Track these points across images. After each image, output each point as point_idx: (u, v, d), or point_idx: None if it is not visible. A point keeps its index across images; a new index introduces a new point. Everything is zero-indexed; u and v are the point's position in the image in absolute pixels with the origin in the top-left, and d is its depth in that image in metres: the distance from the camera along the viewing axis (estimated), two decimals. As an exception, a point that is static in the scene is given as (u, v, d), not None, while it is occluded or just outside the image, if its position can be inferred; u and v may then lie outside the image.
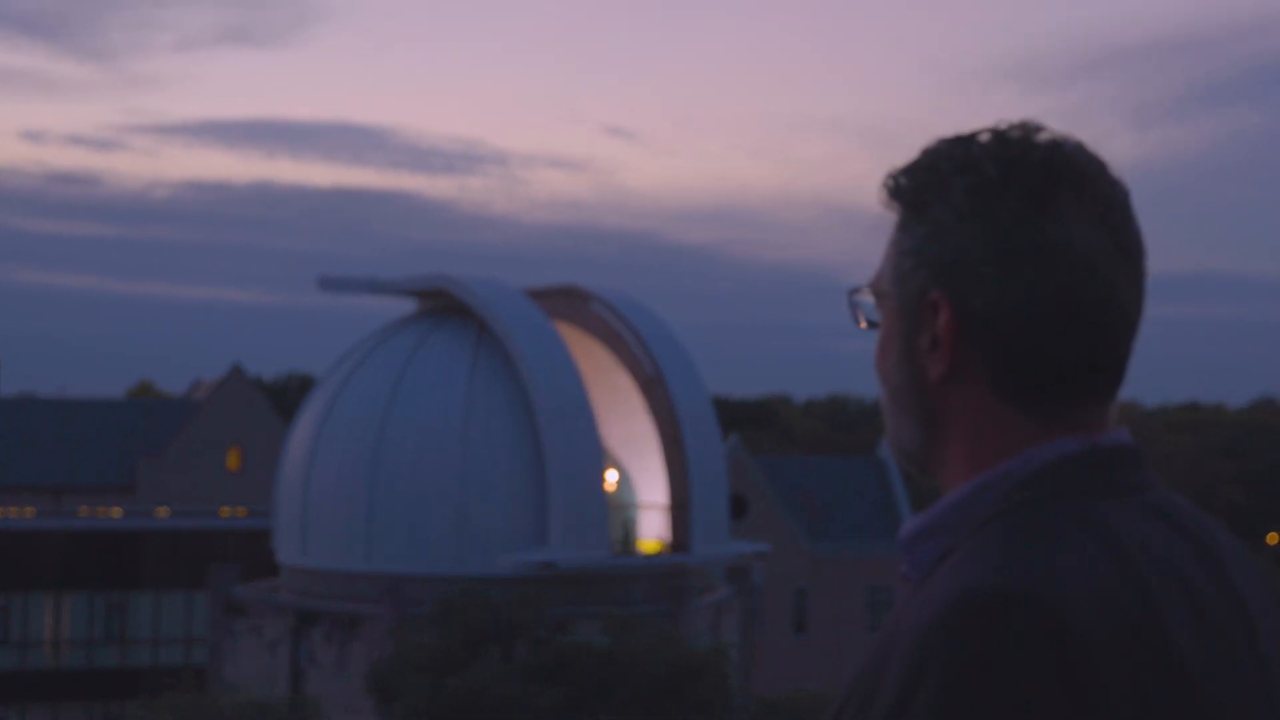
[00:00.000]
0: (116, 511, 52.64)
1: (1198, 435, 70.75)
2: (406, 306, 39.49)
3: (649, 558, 36.89)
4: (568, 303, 39.34)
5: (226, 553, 45.53)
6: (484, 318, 36.57)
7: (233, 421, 57.78)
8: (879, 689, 1.40)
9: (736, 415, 56.12)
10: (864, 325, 1.61)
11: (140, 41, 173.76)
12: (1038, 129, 1.52)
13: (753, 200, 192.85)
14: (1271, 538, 66.89)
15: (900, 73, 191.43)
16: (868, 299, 1.60)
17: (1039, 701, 1.33)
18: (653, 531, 38.04)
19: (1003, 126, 1.52)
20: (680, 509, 37.03)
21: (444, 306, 38.01)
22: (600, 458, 35.94)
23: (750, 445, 52.85)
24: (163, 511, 51.90)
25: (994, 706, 1.33)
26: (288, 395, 60.98)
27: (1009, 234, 1.47)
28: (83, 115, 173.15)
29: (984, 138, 1.52)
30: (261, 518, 44.64)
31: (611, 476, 37.59)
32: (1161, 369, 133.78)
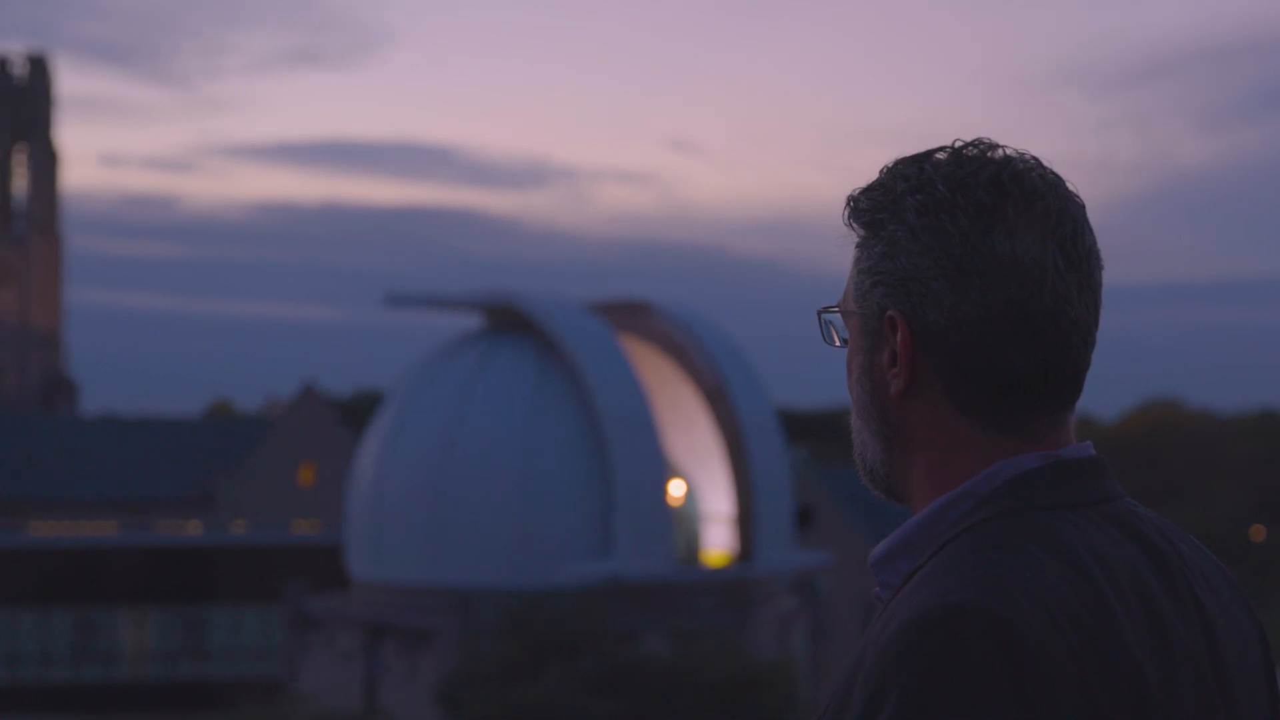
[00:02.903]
0: (195, 527, 53.45)
1: (1271, 443, 69.99)
2: (472, 322, 39.80)
3: (714, 569, 37.02)
4: (631, 316, 39.53)
5: (300, 567, 46.11)
6: (548, 332, 36.84)
7: (306, 438, 58.52)
8: (848, 704, 1.43)
9: (802, 426, 56.21)
10: (838, 344, 1.63)
11: (212, 66, 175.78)
12: (993, 147, 1.55)
13: (815, 211, 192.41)
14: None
15: (960, 81, 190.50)
16: (838, 317, 1.63)
17: (993, 714, 1.36)
18: (718, 542, 38.14)
19: (959, 145, 1.55)
20: (745, 520, 37.14)
21: (509, 321, 38.28)
22: (664, 469, 36.13)
23: (816, 455, 52.95)
24: (239, 527, 52.66)
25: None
26: (359, 411, 61.59)
27: (959, 250, 1.50)
28: (157, 139, 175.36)
29: (939, 156, 1.55)
30: (334, 532, 45.22)
31: (676, 488, 37.73)
32: (1234, 376, 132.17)
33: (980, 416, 1.53)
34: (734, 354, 38.48)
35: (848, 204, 1.58)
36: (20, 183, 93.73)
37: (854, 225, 1.58)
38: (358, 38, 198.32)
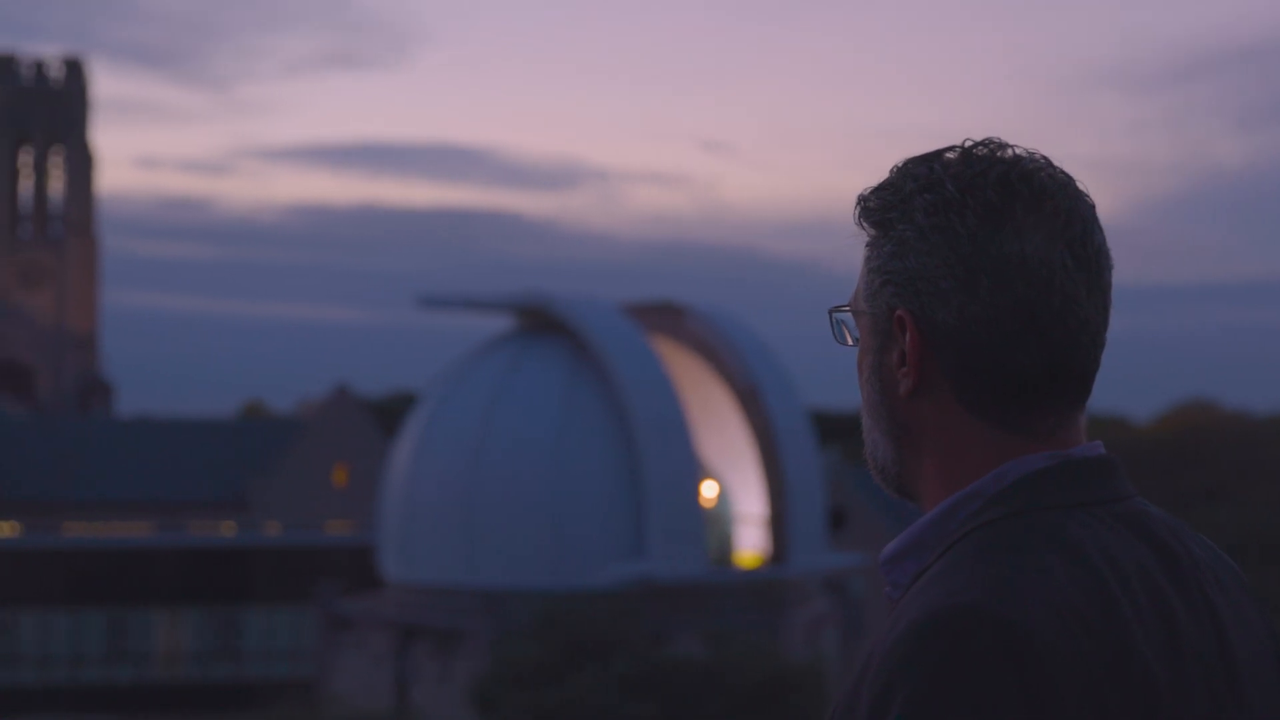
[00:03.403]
0: (228, 528, 53.64)
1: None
2: (504, 323, 39.90)
3: (746, 570, 36.98)
4: (664, 317, 39.55)
5: (333, 568, 46.24)
6: (580, 333, 36.89)
7: (339, 439, 58.67)
8: (856, 706, 1.43)
9: (835, 427, 56.03)
10: (850, 343, 1.63)
11: (247, 68, 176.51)
12: (1003, 146, 1.55)
13: (848, 211, 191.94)
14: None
15: (993, 81, 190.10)
16: (850, 317, 1.63)
17: (1000, 715, 1.35)
18: (750, 544, 38.11)
19: (969, 144, 1.56)
20: (777, 521, 37.10)
21: (541, 323, 38.35)
22: (696, 470, 36.11)
23: (849, 457, 52.79)
24: (273, 528, 52.82)
25: None
26: (392, 413, 61.72)
27: (967, 250, 1.51)
28: (193, 141, 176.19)
29: (949, 156, 1.55)
30: (367, 533, 45.31)
31: (708, 489, 37.73)
32: (1270, 376, 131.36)
33: (989, 416, 1.53)
34: (766, 355, 38.43)
35: (858, 203, 1.59)
36: (57, 185, 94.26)
37: (864, 224, 1.59)
38: (392, 40, 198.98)
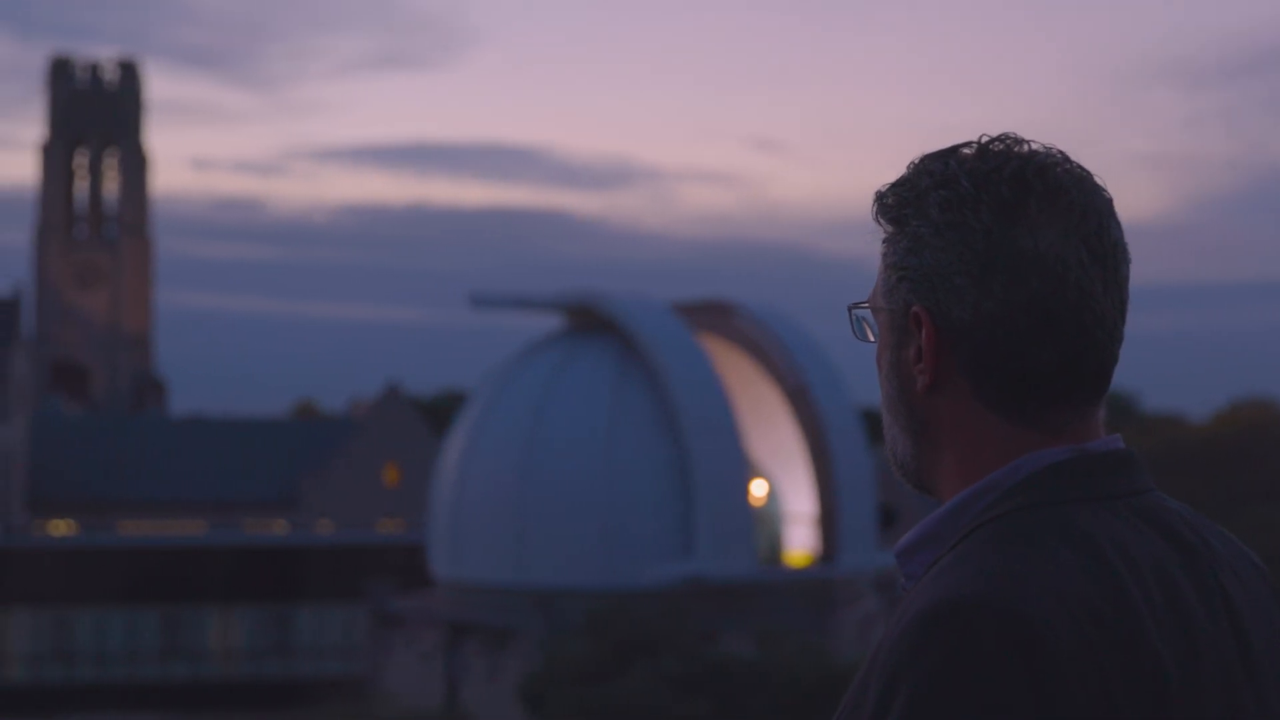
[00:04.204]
0: (281, 527, 53.96)
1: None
2: (554, 323, 39.97)
3: (796, 569, 36.91)
4: (713, 316, 39.52)
5: (385, 567, 46.42)
6: (629, 332, 36.91)
7: (390, 438, 58.92)
8: (864, 699, 1.43)
9: (887, 426, 55.92)
10: (871, 339, 1.63)
11: (299, 70, 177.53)
12: (1019, 142, 1.55)
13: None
14: None
15: (1046, 77, 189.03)
16: (869, 313, 1.63)
17: (1007, 709, 1.35)
18: (800, 543, 38.03)
19: (985, 140, 1.55)
20: (827, 520, 37.01)
21: (590, 322, 38.40)
22: (746, 469, 36.07)
23: (901, 456, 52.62)
24: (324, 526, 53.09)
25: (964, 715, 1.35)
26: (443, 412, 61.96)
27: (982, 245, 1.51)
28: (246, 142, 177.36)
29: (965, 152, 1.55)
30: (418, 532, 45.48)
31: (758, 488, 37.68)
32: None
33: (1006, 411, 1.53)
34: (816, 353, 38.34)
35: (875, 199, 1.59)
36: (111, 186, 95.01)
37: (880, 221, 1.59)
38: (443, 40, 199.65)
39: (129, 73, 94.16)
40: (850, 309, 1.64)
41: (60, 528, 52.87)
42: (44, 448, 57.47)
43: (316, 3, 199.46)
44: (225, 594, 48.78)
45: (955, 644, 1.36)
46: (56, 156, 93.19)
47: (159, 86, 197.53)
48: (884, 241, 1.59)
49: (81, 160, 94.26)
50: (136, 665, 47.87)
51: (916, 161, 1.58)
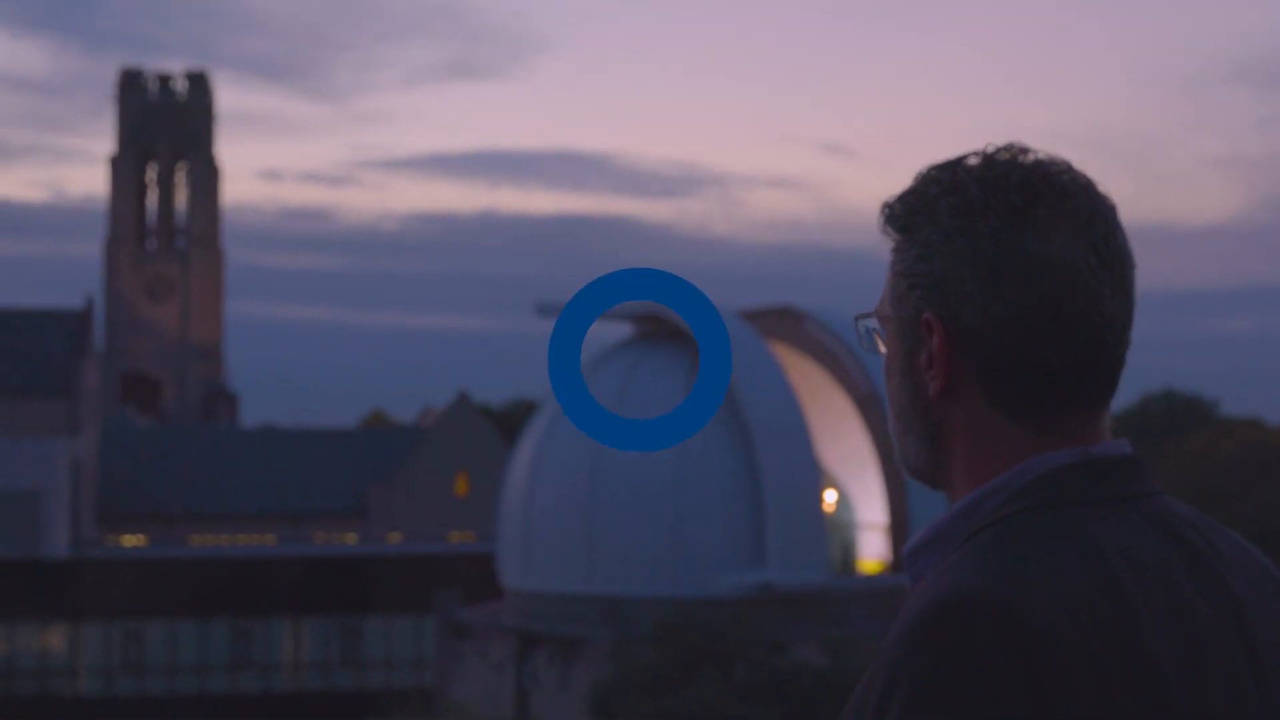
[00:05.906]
0: (351, 538, 54.05)
1: None
2: (623, 330, 39.84)
3: (868, 578, 36.59)
4: (782, 322, 39.28)
5: (455, 577, 46.38)
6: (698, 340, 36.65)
7: (460, 448, 58.92)
8: (869, 696, 1.45)
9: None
10: (881, 350, 1.64)
11: (368, 80, 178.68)
12: (1025, 150, 1.58)
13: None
14: None
15: (1115, 81, 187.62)
16: (876, 325, 1.65)
17: (1004, 706, 1.37)
18: (873, 551, 37.72)
19: (991, 149, 1.58)
20: (900, 528, 36.68)
21: (659, 330, 38.24)
22: (817, 477, 35.78)
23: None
24: (394, 537, 53.11)
25: (960, 712, 1.37)
26: (512, 420, 61.95)
27: (991, 251, 1.53)
28: (315, 152, 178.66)
29: (971, 161, 1.58)
30: (488, 542, 45.39)
31: (830, 496, 37.39)
32: None
33: (1017, 415, 1.55)
34: (887, 359, 37.98)
35: (883, 209, 1.62)
36: (182, 198, 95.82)
37: (889, 230, 1.61)
38: (511, 49, 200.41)
39: (199, 84, 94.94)
40: (857, 320, 1.66)
41: (130, 540, 53.15)
42: (114, 460, 57.84)
43: (384, 13, 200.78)
44: (295, 605, 48.93)
45: (953, 642, 1.39)
46: (127, 169, 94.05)
47: (227, 98, 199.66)
48: (892, 250, 1.61)
49: (152, 173, 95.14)
50: (207, 677, 48.06)
51: (924, 171, 1.60)
